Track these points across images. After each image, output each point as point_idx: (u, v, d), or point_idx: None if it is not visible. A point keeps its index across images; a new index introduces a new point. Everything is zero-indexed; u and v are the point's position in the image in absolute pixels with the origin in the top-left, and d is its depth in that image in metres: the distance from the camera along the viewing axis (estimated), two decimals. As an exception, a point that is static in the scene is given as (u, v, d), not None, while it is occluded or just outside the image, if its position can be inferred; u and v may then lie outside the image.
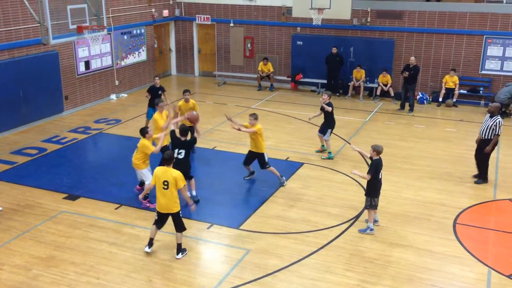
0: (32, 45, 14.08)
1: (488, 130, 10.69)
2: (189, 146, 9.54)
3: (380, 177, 8.81)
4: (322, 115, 12.32)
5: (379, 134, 14.24)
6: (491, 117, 10.74)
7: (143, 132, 9.58)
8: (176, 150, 9.31)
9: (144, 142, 9.52)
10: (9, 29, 13.39)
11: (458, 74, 17.05)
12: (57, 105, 15.28)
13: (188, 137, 9.60)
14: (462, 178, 11.26)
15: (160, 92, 13.33)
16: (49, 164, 11.79)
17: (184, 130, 9.43)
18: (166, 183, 7.77)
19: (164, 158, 8.06)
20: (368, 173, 8.78)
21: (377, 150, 8.71)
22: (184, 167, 9.16)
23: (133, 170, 10.04)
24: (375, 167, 8.71)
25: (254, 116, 10.50)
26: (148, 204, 9.73)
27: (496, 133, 10.65)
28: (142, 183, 10.09)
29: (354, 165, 11.91)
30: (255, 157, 10.76)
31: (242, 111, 16.30)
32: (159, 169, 7.94)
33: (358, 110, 16.81)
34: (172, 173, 7.81)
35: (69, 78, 15.63)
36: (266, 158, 10.74)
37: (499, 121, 10.64)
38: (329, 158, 12.31)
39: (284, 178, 10.95)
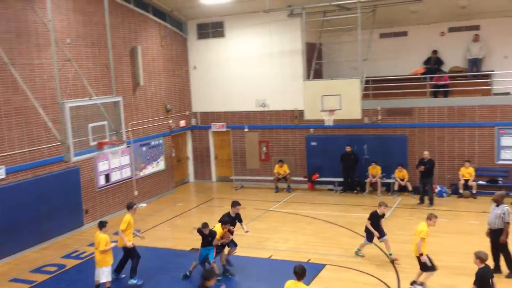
0: (55, 163, 14.57)
1: (497, 219, 10.50)
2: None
3: (493, 286, 8.02)
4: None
5: (401, 230, 13.93)
6: (497, 205, 10.60)
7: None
8: None
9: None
10: (33, 149, 13.97)
11: (474, 166, 17.00)
12: (77, 219, 15.43)
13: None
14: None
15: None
16: (68, 281, 11.66)
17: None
18: None
19: (296, 272, 7.58)
20: (474, 284, 8.06)
21: (481, 257, 8.15)
22: None
23: (155, 284, 9.83)
24: (480, 278, 8.02)
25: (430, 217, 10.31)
26: None
27: (506, 221, 10.48)
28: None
29: (379, 263, 11.58)
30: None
31: (260, 214, 16.25)
32: (289, 284, 7.61)
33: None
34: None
35: (89, 192, 15.94)
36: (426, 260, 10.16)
37: (507, 208, 10.56)
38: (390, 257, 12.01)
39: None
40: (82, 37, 15.51)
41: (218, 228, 11.15)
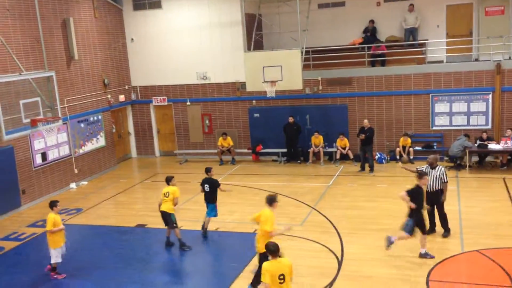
0: (-14, 142, 13.81)
1: (436, 181, 10.97)
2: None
3: None
4: None
5: (344, 197, 14.35)
6: (433, 168, 11.08)
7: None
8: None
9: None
10: (-40, 128, 13.13)
11: (411, 134, 17.65)
12: (13, 200, 14.78)
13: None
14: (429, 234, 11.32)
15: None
16: (6, 264, 11.21)
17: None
18: (282, 276, 6.96)
19: (270, 249, 7.06)
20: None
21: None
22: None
23: (100, 262, 9.60)
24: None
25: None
26: (56, 276, 10.08)
27: (445, 181, 11.01)
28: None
29: (322, 230, 11.88)
30: None
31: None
32: (269, 264, 7.03)
33: (320, 175, 17.00)
34: (286, 263, 7.09)
35: (25, 171, 15.26)
36: None
37: (444, 169, 11.09)
38: None
39: None
40: (8, 8, 14.57)
41: None
